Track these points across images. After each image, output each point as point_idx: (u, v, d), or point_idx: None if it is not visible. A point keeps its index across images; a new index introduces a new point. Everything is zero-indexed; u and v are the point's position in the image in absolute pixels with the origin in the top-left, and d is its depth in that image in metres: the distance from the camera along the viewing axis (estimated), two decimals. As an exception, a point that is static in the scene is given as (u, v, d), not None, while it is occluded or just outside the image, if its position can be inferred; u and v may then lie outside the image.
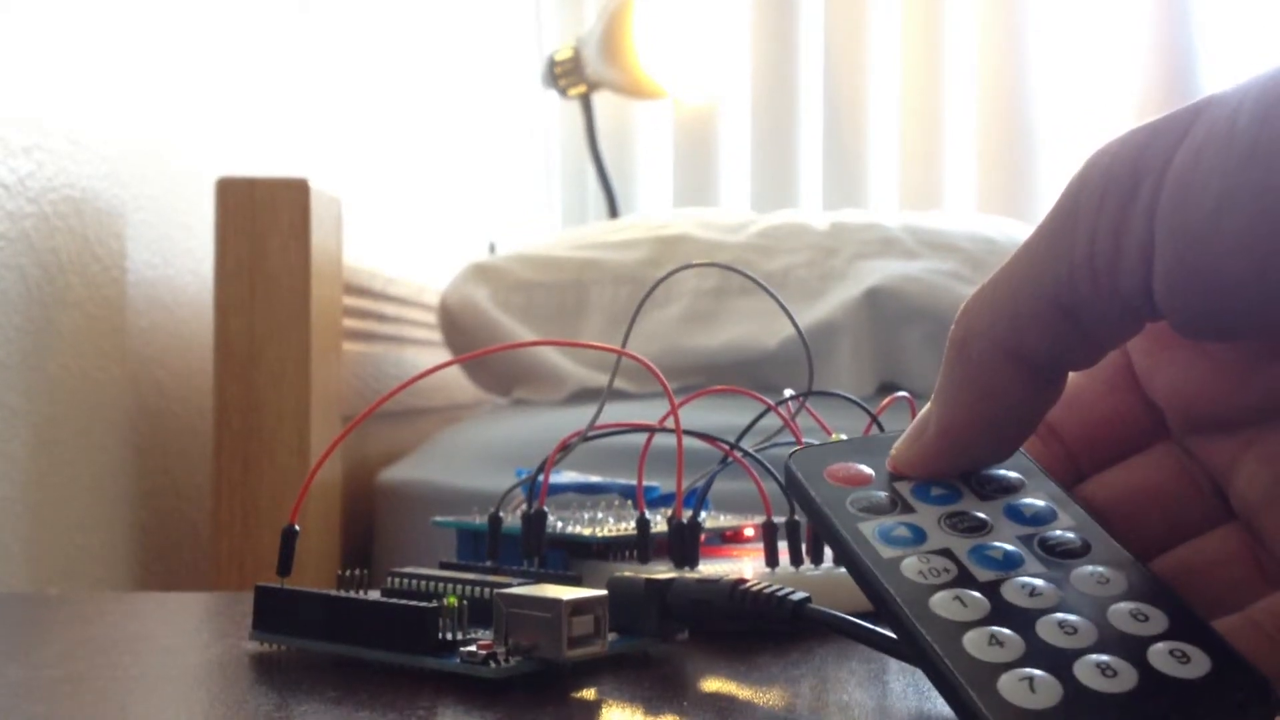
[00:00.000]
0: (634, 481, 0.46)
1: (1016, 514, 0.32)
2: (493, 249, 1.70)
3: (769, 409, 0.45)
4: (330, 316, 0.92)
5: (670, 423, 0.42)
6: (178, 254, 0.96)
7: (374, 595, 0.38)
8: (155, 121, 0.93)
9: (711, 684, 0.36)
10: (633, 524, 0.44)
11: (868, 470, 0.33)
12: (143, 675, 0.38)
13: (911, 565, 0.30)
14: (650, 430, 0.44)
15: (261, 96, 1.14)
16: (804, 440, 0.44)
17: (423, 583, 0.39)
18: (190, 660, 0.40)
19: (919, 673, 0.36)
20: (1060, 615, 0.28)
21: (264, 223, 0.87)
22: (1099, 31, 1.70)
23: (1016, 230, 1.19)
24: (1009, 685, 0.26)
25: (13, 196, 0.76)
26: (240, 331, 0.86)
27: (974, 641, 0.27)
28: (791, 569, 0.44)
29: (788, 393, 0.46)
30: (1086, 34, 1.70)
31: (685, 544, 0.42)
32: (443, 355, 1.24)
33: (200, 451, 0.94)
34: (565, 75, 1.56)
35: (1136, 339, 0.33)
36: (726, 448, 0.44)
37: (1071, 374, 0.33)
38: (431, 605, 0.35)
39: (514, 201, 1.89)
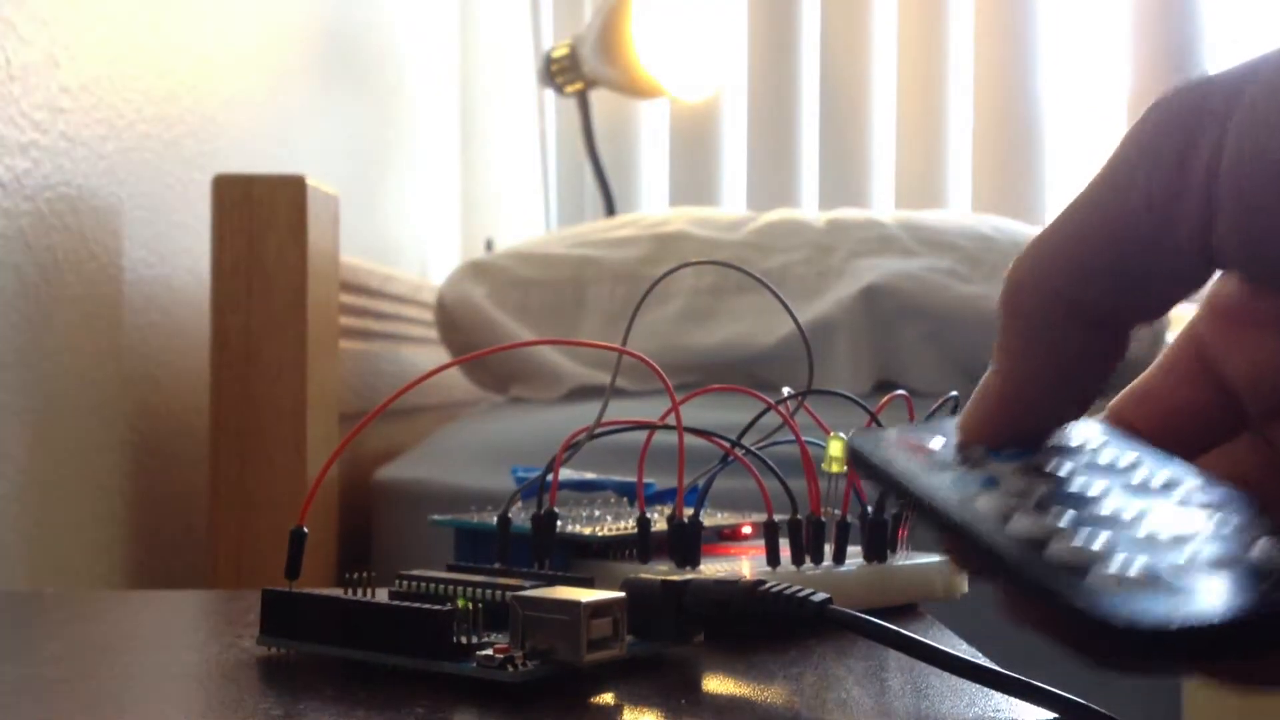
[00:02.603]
0: (628, 478, 0.46)
1: (1096, 466, 0.30)
2: (490, 246, 1.70)
3: (769, 407, 0.45)
4: (327, 314, 0.92)
5: (671, 420, 0.42)
6: (174, 252, 0.95)
7: (381, 597, 0.37)
8: (151, 119, 0.93)
9: (733, 687, 0.36)
10: (631, 522, 0.44)
11: (939, 439, 0.32)
12: (140, 674, 0.38)
13: (987, 500, 0.29)
14: (652, 428, 0.44)
15: (258, 94, 1.14)
16: (803, 439, 0.44)
17: (432, 585, 0.38)
18: (188, 659, 0.40)
19: (919, 669, 0.36)
20: (1152, 523, 0.27)
21: (261, 220, 0.87)
22: (1098, 29, 1.70)
23: (1014, 228, 1.19)
24: (1099, 575, 0.25)
25: (9, 195, 0.75)
26: (237, 329, 0.86)
27: (1058, 548, 0.26)
28: (792, 568, 0.43)
29: (786, 391, 0.46)
30: (1086, 31, 1.70)
31: (686, 543, 0.42)
32: (440, 353, 1.24)
33: (197, 449, 0.94)
34: (562, 72, 1.56)
35: (1207, 322, 0.32)
36: (728, 446, 0.44)
37: (1147, 369, 0.32)
38: (445, 608, 0.34)
39: (511, 199, 1.89)
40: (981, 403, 0.31)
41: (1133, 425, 0.33)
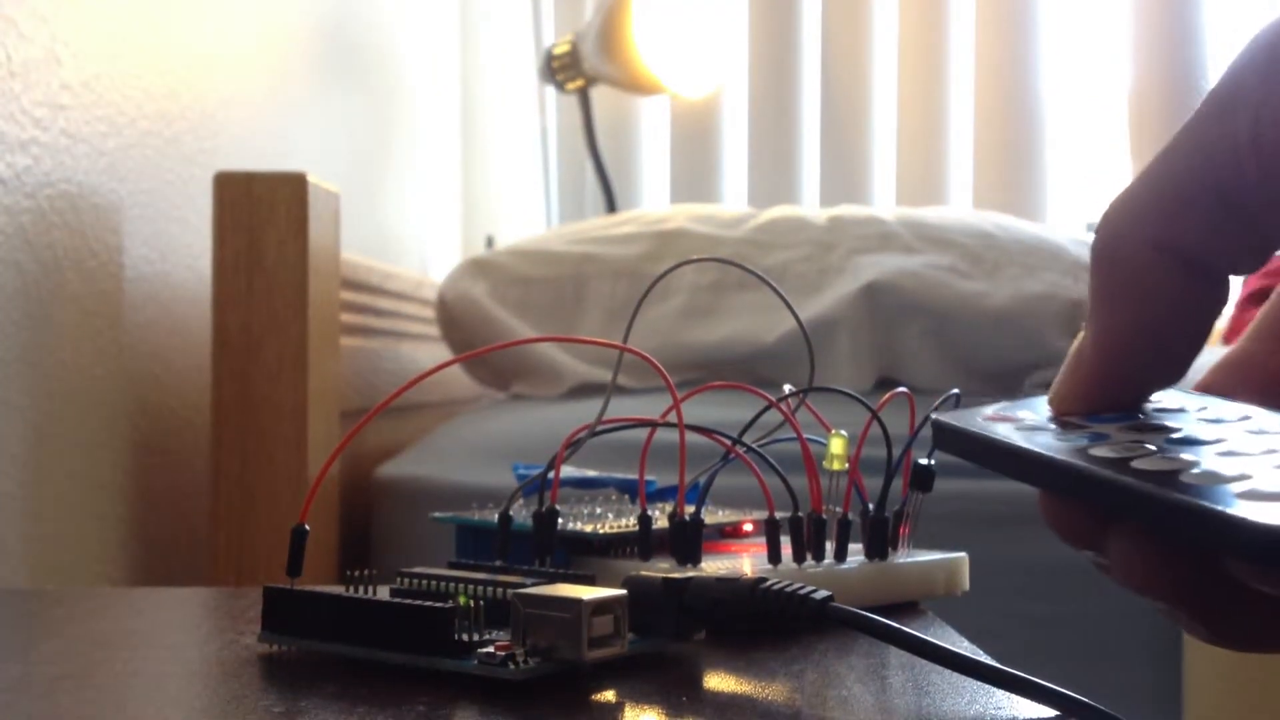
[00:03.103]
0: (629, 475, 0.46)
1: (1206, 420, 0.28)
2: (490, 243, 1.70)
3: (770, 405, 0.45)
4: (328, 311, 0.92)
5: (672, 418, 0.42)
6: (175, 249, 0.95)
7: (382, 595, 0.37)
8: (152, 116, 0.93)
9: (734, 684, 0.36)
10: (632, 520, 0.44)
11: (1026, 413, 0.31)
12: (142, 671, 0.38)
13: (1102, 450, 0.27)
14: (653, 425, 0.44)
15: (259, 91, 1.14)
16: (805, 436, 0.44)
17: (433, 582, 0.38)
18: (189, 656, 0.40)
19: (920, 667, 0.36)
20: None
21: (261, 217, 0.86)
22: (1099, 26, 1.70)
23: (1015, 225, 1.19)
24: (1245, 490, 0.24)
25: (9, 192, 0.75)
26: (238, 327, 0.86)
27: (1192, 474, 0.25)
28: (794, 565, 0.43)
29: (787, 388, 0.46)
30: (1087, 28, 1.70)
31: (687, 540, 0.42)
32: (440, 350, 1.24)
33: (198, 447, 0.94)
34: (563, 69, 1.56)
35: None
36: (729, 443, 0.44)
37: (1237, 339, 0.30)
38: (447, 606, 0.34)
39: (512, 196, 1.89)
40: (1075, 369, 0.30)
41: (1230, 395, 0.31)
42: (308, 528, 0.38)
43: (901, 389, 0.46)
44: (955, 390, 0.46)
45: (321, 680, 0.35)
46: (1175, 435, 0.28)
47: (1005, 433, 0.29)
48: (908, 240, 1.13)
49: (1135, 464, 0.26)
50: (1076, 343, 0.30)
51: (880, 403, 0.46)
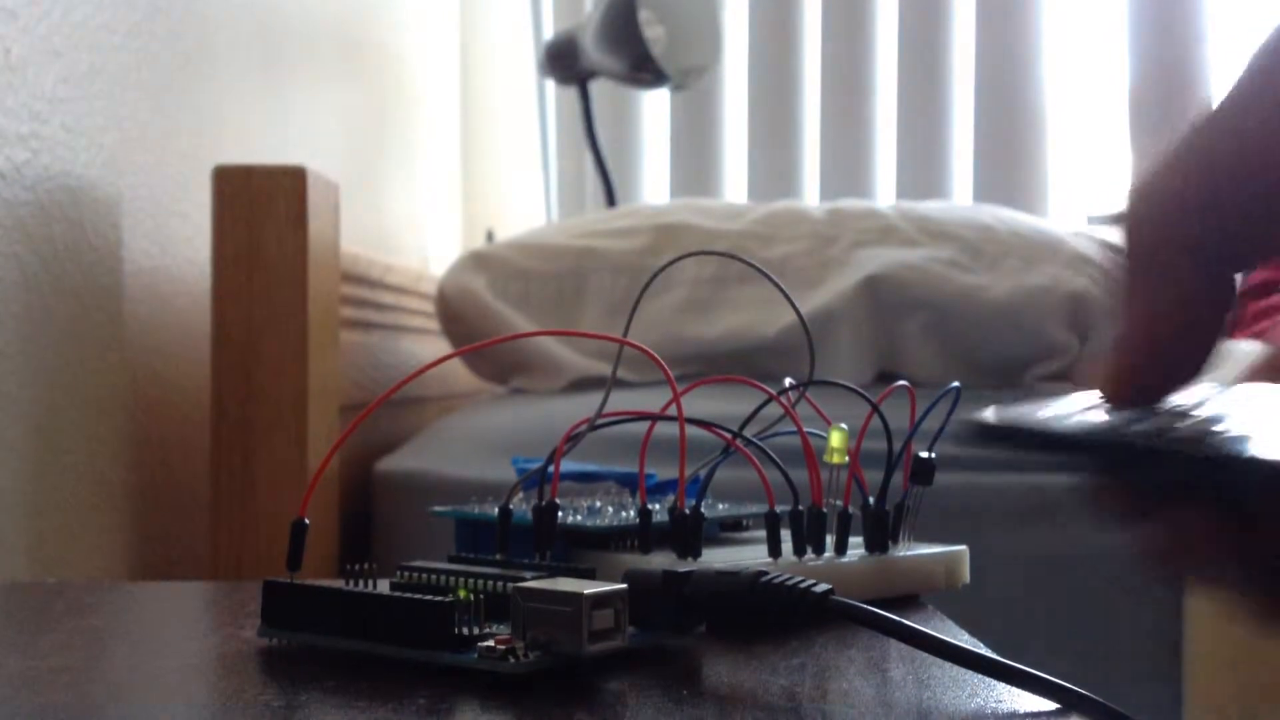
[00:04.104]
0: (629, 469, 0.46)
1: (1231, 402, 0.30)
2: (490, 237, 1.70)
3: (771, 398, 0.45)
4: (328, 305, 0.92)
5: (672, 411, 0.42)
6: (174, 242, 0.95)
7: (382, 589, 0.37)
8: (152, 109, 0.93)
9: (735, 678, 0.36)
10: (633, 513, 0.44)
11: (1049, 411, 0.32)
12: (141, 665, 0.38)
13: (1141, 426, 0.28)
14: (653, 419, 0.44)
15: (258, 83, 1.13)
16: (805, 429, 0.44)
17: (433, 576, 0.38)
18: (189, 650, 0.40)
19: (920, 660, 0.36)
20: None
21: (261, 211, 0.86)
22: (1100, 18, 1.70)
23: (1015, 218, 1.19)
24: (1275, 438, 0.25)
25: (9, 185, 0.75)
26: (237, 320, 0.86)
27: (1224, 431, 0.27)
28: (794, 558, 0.43)
29: (788, 382, 0.46)
30: (1088, 20, 1.70)
31: (687, 534, 0.42)
32: (441, 344, 1.24)
33: (198, 440, 0.94)
34: (563, 62, 1.55)
35: None
36: (729, 437, 0.44)
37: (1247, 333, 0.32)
38: (448, 600, 0.34)
39: (512, 189, 1.89)
40: (1111, 362, 0.30)
41: None
42: (307, 521, 0.38)
43: (902, 382, 0.46)
44: (956, 384, 0.46)
45: (321, 674, 0.35)
46: (1213, 410, 0.29)
47: (1047, 422, 0.30)
48: (908, 233, 1.13)
49: (1174, 433, 0.27)
50: (1112, 339, 0.31)
51: (880, 396, 0.46)
